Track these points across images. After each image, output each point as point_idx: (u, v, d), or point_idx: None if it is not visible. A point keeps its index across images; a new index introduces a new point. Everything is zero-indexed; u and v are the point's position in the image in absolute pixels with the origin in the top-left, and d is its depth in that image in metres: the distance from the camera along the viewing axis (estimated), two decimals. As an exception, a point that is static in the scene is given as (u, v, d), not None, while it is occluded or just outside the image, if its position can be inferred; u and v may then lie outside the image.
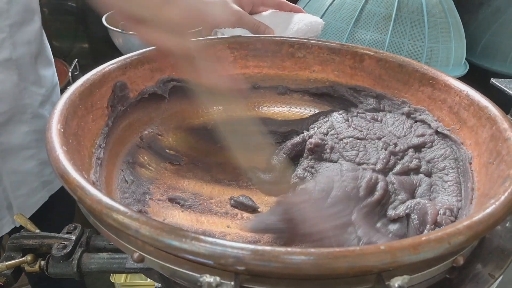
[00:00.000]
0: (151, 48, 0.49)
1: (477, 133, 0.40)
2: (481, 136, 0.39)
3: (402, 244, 0.23)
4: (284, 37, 0.56)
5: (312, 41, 0.55)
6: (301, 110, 0.56)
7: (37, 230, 0.39)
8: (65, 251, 0.36)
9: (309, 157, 0.45)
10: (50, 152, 0.30)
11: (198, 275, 0.23)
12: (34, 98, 0.60)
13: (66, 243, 0.37)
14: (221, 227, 0.40)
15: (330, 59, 0.54)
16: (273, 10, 0.64)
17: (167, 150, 0.48)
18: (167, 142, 0.49)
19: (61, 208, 0.73)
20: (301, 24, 0.59)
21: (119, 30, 0.94)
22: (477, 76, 0.80)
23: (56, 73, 0.68)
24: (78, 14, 1.25)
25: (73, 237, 0.37)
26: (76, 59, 0.92)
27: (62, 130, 0.33)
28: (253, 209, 0.42)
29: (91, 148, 0.38)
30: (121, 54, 0.49)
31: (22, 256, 0.37)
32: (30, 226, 0.40)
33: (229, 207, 0.43)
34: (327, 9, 0.82)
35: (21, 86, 0.57)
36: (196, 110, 0.53)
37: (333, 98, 0.55)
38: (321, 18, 0.68)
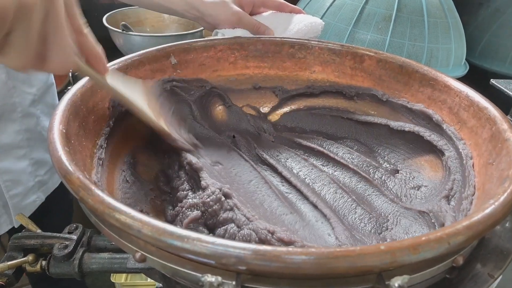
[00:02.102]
0: (152, 48, 0.49)
1: (477, 133, 0.40)
2: (481, 137, 0.39)
3: (402, 244, 0.23)
4: (284, 37, 0.56)
5: (312, 42, 0.55)
6: (301, 111, 0.57)
7: (39, 230, 0.39)
8: (66, 251, 0.36)
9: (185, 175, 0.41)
10: (53, 153, 0.30)
11: (200, 275, 0.23)
12: (24, 97, 0.59)
13: (67, 243, 0.37)
14: (222, 227, 0.40)
15: (330, 60, 0.54)
16: (273, 11, 0.64)
17: (168, 151, 0.48)
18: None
19: (58, 209, 0.72)
20: (301, 25, 0.59)
21: (120, 30, 0.94)
22: (477, 77, 0.80)
23: (52, 74, 0.66)
24: (79, 14, 1.25)
25: (75, 237, 0.37)
26: (77, 60, 0.92)
27: (64, 131, 0.33)
28: None
29: (93, 149, 0.38)
30: (121, 55, 0.49)
31: (24, 256, 0.37)
32: (32, 226, 0.40)
33: (229, 207, 0.43)
34: (327, 10, 0.82)
35: (9, 85, 0.56)
36: (197, 111, 0.53)
37: (331, 93, 0.55)
38: (321, 18, 0.68)
